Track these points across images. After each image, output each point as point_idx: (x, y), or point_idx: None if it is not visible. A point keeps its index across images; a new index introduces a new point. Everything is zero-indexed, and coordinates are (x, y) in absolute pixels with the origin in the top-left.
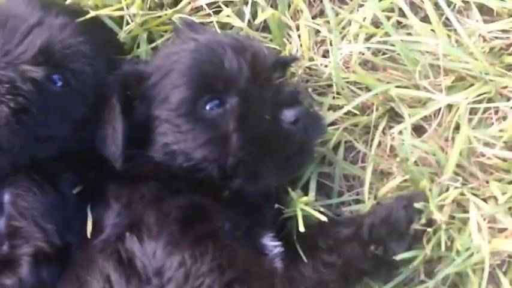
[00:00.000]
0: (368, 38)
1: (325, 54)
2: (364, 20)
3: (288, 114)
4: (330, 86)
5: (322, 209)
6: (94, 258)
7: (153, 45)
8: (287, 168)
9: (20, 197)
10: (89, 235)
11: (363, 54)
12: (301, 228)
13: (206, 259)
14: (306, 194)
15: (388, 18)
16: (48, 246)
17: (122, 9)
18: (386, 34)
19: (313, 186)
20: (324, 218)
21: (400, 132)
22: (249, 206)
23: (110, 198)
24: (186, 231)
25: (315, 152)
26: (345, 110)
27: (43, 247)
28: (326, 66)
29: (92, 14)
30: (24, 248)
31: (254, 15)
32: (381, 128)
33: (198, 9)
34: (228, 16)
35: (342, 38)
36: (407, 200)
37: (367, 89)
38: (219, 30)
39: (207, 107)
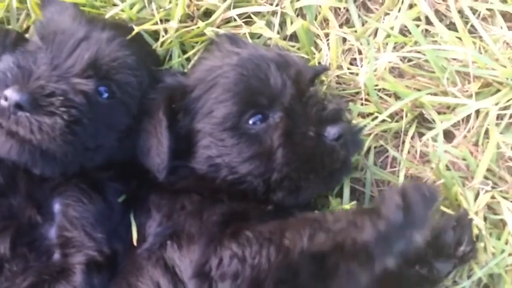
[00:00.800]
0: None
1: (352, 62)
2: (392, 29)
3: (332, 131)
4: (357, 93)
5: None
6: (142, 266)
7: (185, 56)
8: (329, 183)
9: (70, 207)
10: (135, 243)
11: (390, 62)
12: None
13: (252, 240)
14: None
15: (416, 26)
16: (98, 255)
17: (156, 22)
18: (415, 42)
19: (347, 192)
20: None
21: (433, 139)
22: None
23: (152, 207)
24: (222, 231)
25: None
26: (380, 118)
27: (94, 256)
28: (356, 74)
29: (137, 29)
30: (77, 257)
31: (281, 24)
32: (410, 133)
33: (227, 20)
34: (259, 27)
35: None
36: (456, 220)
37: (395, 96)
38: (251, 41)
39: (251, 122)
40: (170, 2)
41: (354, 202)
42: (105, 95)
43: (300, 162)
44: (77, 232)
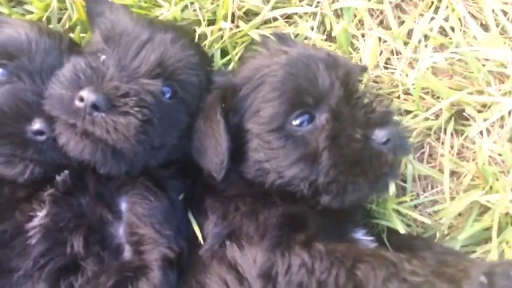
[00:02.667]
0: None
1: (387, 62)
2: (431, 30)
3: (380, 135)
4: (393, 92)
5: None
6: (208, 264)
7: (228, 57)
8: (376, 187)
9: (137, 204)
10: (201, 241)
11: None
12: (402, 230)
13: (324, 255)
14: None
15: (452, 28)
16: (170, 252)
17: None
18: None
19: (392, 187)
20: (403, 231)
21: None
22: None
23: (207, 209)
24: (290, 236)
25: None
26: (422, 116)
27: (167, 253)
28: (392, 73)
29: (200, 29)
30: (152, 254)
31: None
32: (449, 130)
33: (265, 20)
34: (304, 28)
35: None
36: None
37: (431, 94)
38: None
39: (297, 123)
40: (212, 3)
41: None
42: (168, 94)
43: (347, 165)
44: (148, 229)
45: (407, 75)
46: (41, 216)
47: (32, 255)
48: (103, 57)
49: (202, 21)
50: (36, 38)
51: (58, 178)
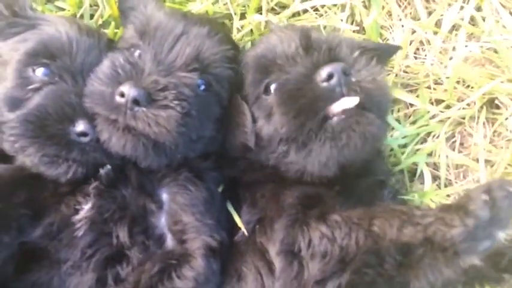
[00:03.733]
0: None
1: (416, 52)
2: (463, 20)
3: (321, 72)
4: (423, 82)
5: None
6: (243, 252)
7: None
8: (339, 139)
9: (178, 195)
10: (245, 232)
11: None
12: None
13: (341, 223)
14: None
15: (483, 18)
16: (213, 240)
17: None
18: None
19: (428, 176)
20: None
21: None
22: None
23: (239, 199)
24: (305, 212)
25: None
26: (457, 107)
27: (209, 241)
28: (422, 63)
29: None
30: (195, 242)
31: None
32: (482, 119)
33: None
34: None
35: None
36: None
37: (463, 83)
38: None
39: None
40: None
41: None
42: (202, 87)
43: (294, 109)
44: (190, 218)
45: (442, 64)
46: (86, 208)
47: (80, 247)
48: (137, 52)
49: (233, 14)
50: (77, 37)
51: (101, 171)
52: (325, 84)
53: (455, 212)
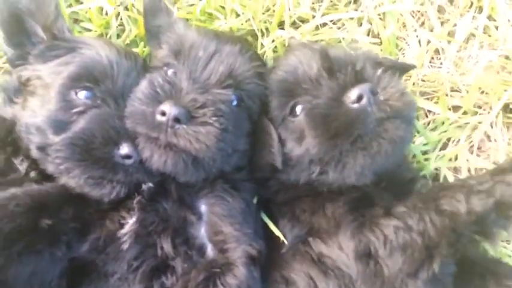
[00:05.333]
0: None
1: (430, 61)
2: (477, 29)
3: (350, 94)
4: (440, 89)
5: None
6: (290, 261)
7: None
8: (370, 150)
9: (216, 206)
10: (285, 241)
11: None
12: None
13: (409, 211)
14: None
15: (496, 27)
16: (252, 249)
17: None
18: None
19: (451, 180)
20: None
21: None
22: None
23: (275, 213)
24: (367, 214)
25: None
26: (478, 113)
27: (249, 250)
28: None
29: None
30: (236, 252)
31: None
32: (499, 124)
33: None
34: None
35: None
36: None
37: (479, 89)
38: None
39: (290, 113)
40: (264, 13)
41: None
42: (235, 102)
43: (327, 132)
44: (229, 228)
45: (457, 71)
46: (131, 222)
47: (126, 259)
48: (171, 70)
49: (257, 31)
50: (117, 60)
51: (144, 187)
52: (355, 105)
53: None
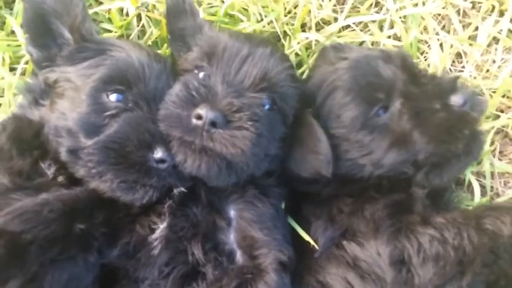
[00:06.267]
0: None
1: (452, 65)
2: (500, 33)
3: (456, 99)
4: None
5: None
6: (325, 265)
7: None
8: (471, 151)
9: (245, 211)
10: (316, 246)
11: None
12: None
13: (448, 224)
14: None
15: None
16: (282, 255)
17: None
18: None
19: (477, 188)
20: None
21: None
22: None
23: (308, 215)
24: (405, 220)
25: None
26: (504, 116)
27: (280, 256)
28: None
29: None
30: (267, 258)
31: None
32: None
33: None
34: (382, 35)
35: None
36: None
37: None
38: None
39: (375, 115)
40: (286, 15)
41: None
42: (267, 106)
43: (439, 136)
44: (259, 234)
45: (479, 75)
46: (162, 227)
47: (157, 265)
48: (202, 73)
49: (279, 33)
50: (148, 63)
51: (175, 191)
52: (462, 109)
53: None
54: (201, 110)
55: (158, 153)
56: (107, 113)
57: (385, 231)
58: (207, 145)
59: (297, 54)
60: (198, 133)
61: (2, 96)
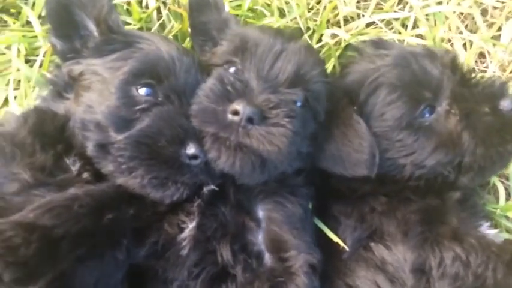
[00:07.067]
0: None
1: (477, 61)
2: None
3: (505, 104)
4: None
5: None
6: (354, 267)
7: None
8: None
9: (274, 212)
10: (346, 247)
11: None
12: None
13: (478, 249)
14: None
15: None
16: (311, 257)
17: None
18: None
19: (502, 191)
20: None
21: None
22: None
23: (338, 215)
24: (435, 230)
25: None
26: None
27: (310, 258)
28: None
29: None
30: (298, 260)
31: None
32: None
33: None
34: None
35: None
36: None
37: None
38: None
39: (421, 115)
40: (309, 11)
41: None
42: (299, 103)
43: (489, 139)
44: (288, 236)
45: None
46: (191, 227)
47: (186, 266)
48: (233, 68)
49: (303, 29)
50: (178, 57)
51: (205, 189)
52: (511, 114)
53: None
54: (238, 106)
55: (191, 149)
56: (138, 107)
57: (413, 238)
58: (243, 141)
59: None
60: (234, 129)
61: (18, 89)
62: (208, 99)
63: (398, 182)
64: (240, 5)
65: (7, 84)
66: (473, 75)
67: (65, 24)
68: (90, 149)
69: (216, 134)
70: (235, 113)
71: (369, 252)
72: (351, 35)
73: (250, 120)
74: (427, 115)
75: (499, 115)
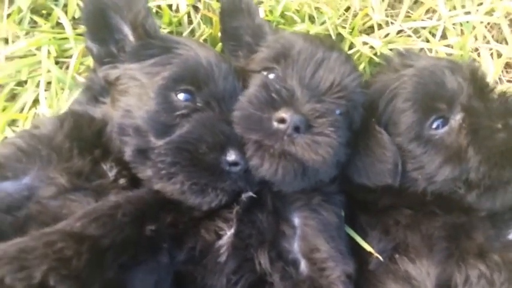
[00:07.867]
0: None
1: (503, 71)
2: None
3: None
4: None
5: None
6: (382, 279)
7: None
8: None
9: (310, 219)
10: (380, 257)
11: None
12: None
13: (502, 266)
14: None
15: None
16: (348, 267)
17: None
18: None
19: None
20: None
21: None
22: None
23: (364, 226)
24: (460, 247)
25: None
26: None
27: (346, 268)
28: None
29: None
30: (335, 270)
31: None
32: None
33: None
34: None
35: None
36: None
37: None
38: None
39: (433, 127)
40: (338, 18)
41: None
42: (338, 112)
43: (495, 157)
44: (325, 246)
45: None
46: (229, 234)
47: (225, 273)
48: (272, 75)
49: (333, 35)
50: (216, 63)
51: (243, 196)
52: None
53: None
54: (285, 114)
55: (231, 156)
56: (178, 113)
57: (438, 253)
58: (287, 150)
59: None
60: (279, 137)
61: (48, 90)
62: (252, 106)
63: (417, 195)
64: (271, 11)
65: (37, 86)
66: (492, 88)
67: (100, 28)
68: (128, 154)
69: (259, 141)
70: (282, 121)
71: (395, 264)
72: (383, 42)
73: (296, 128)
74: (439, 127)
75: (510, 133)
